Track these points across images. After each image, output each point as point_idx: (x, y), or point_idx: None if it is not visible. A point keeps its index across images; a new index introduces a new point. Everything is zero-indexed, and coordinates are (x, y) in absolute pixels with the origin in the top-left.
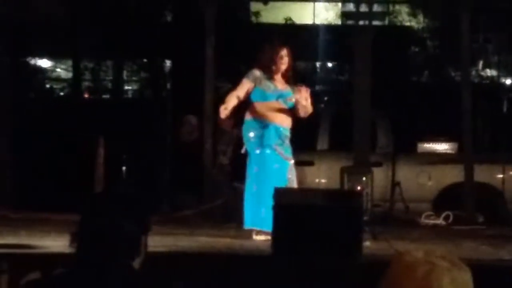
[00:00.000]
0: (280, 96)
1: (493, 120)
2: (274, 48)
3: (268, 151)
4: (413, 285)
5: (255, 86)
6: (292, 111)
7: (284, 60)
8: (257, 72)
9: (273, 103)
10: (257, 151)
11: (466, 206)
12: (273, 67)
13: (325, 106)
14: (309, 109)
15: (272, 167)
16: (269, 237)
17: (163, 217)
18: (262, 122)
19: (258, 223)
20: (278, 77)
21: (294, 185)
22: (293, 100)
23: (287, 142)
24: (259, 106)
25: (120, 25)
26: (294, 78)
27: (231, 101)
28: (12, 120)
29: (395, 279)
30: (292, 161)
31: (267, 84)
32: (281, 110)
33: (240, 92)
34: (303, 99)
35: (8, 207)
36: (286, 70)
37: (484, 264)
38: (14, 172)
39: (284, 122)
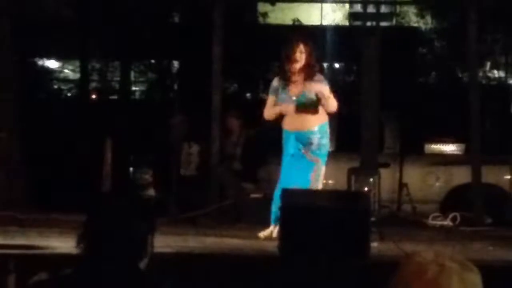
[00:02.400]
0: (299, 103)
1: (500, 121)
2: (288, 46)
3: (290, 156)
4: (422, 287)
5: (276, 98)
6: (317, 109)
7: (298, 57)
8: (274, 83)
9: (289, 111)
10: (284, 157)
11: (474, 207)
12: (289, 68)
13: None
14: (332, 104)
15: (293, 170)
16: None
17: (171, 217)
18: (285, 132)
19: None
20: (296, 78)
21: (318, 185)
22: (313, 97)
23: (316, 142)
24: (282, 116)
25: (127, 25)
26: (312, 73)
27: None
28: (20, 120)
29: (404, 280)
30: (319, 162)
31: (281, 95)
32: (298, 115)
33: (270, 108)
34: (322, 95)
35: (16, 208)
36: (303, 68)
37: (492, 266)
38: (22, 173)
39: (305, 126)
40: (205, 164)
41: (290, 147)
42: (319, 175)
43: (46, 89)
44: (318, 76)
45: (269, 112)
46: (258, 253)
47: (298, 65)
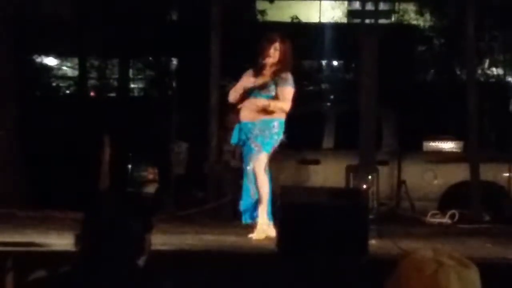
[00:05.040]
0: (252, 93)
1: (499, 119)
2: (265, 41)
3: (243, 147)
4: (421, 284)
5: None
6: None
7: (272, 53)
8: (249, 71)
9: (245, 102)
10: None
11: (472, 204)
12: (262, 62)
13: (331, 105)
14: (280, 107)
15: (245, 157)
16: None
17: (169, 215)
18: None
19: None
20: (266, 72)
21: (258, 170)
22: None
23: (256, 133)
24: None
25: (126, 23)
26: (281, 70)
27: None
28: (18, 118)
29: (403, 277)
30: (259, 148)
31: (247, 83)
32: (248, 105)
33: (238, 87)
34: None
35: (15, 205)
36: (274, 64)
37: (490, 263)
38: (20, 171)
39: (248, 116)
40: (194, 163)
41: (234, 137)
42: (256, 159)
43: (44, 86)
44: (285, 75)
45: (232, 93)
46: (256, 251)
47: (270, 60)
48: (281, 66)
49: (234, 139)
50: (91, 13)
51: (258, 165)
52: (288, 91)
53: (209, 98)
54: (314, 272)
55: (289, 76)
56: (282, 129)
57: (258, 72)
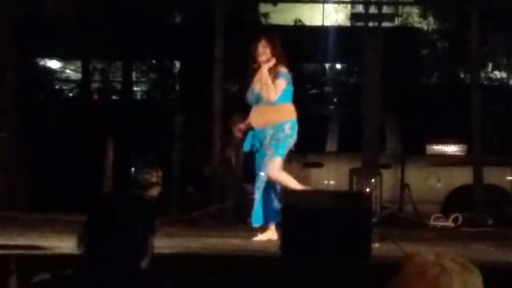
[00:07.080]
0: (257, 99)
1: (502, 122)
2: (253, 43)
3: (256, 154)
4: (423, 287)
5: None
6: (274, 107)
7: (261, 51)
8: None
9: (253, 109)
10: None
11: (475, 208)
12: (255, 65)
13: (335, 108)
14: (267, 93)
15: (259, 162)
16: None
17: (172, 218)
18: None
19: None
20: (260, 73)
21: (273, 173)
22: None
23: (269, 138)
24: None
25: (129, 26)
26: (277, 66)
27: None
28: (22, 121)
29: (405, 281)
30: (271, 151)
31: (249, 92)
32: (257, 112)
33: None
34: (263, 84)
35: (17, 208)
36: (267, 61)
37: (493, 266)
38: (23, 173)
39: (259, 123)
40: (192, 163)
41: (247, 144)
42: (270, 164)
43: (47, 89)
44: (281, 68)
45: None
46: (259, 254)
47: (263, 58)
48: (275, 61)
49: (246, 146)
50: (95, 15)
51: (272, 169)
52: (278, 82)
53: (213, 101)
54: (317, 275)
55: (284, 70)
56: (295, 131)
57: (253, 74)
